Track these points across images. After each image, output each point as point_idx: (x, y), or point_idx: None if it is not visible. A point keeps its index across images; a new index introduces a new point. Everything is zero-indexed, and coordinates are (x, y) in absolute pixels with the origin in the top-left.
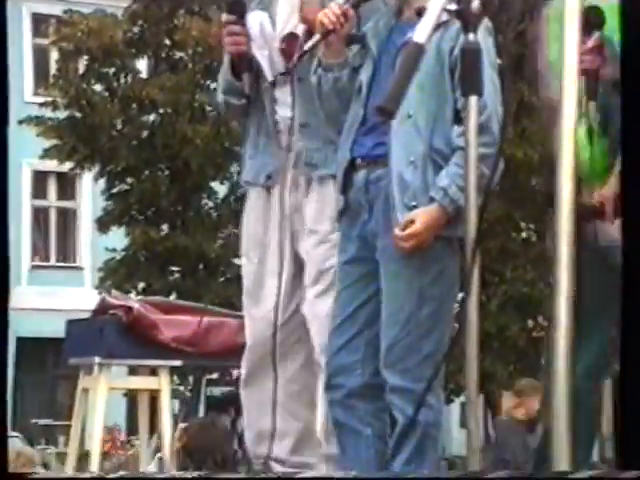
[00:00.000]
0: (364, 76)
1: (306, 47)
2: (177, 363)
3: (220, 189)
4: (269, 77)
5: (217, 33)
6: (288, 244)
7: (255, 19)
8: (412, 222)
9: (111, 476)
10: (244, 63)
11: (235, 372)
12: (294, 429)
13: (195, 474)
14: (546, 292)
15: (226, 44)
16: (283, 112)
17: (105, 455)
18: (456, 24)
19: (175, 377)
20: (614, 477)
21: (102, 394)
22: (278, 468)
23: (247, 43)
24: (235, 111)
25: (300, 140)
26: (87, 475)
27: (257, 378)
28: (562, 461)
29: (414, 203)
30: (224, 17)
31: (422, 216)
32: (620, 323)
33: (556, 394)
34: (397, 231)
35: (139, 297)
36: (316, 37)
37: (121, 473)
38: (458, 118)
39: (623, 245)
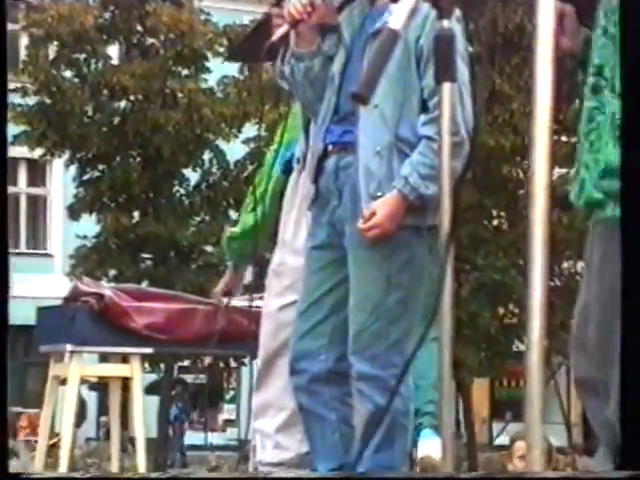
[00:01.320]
0: (337, 65)
1: (274, 38)
2: (149, 351)
3: (192, 176)
4: None
5: (188, 19)
6: (304, 225)
7: None
8: (374, 213)
9: (115, 476)
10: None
11: (207, 360)
12: (289, 407)
13: (202, 474)
14: (517, 279)
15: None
16: None
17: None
18: (422, 12)
19: (147, 365)
20: (614, 477)
21: (74, 382)
22: (262, 442)
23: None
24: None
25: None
26: (89, 475)
27: (282, 355)
28: (536, 457)
29: (379, 193)
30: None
31: (383, 206)
32: (621, 324)
33: (530, 382)
34: (360, 224)
35: (111, 284)
36: (284, 27)
37: (129, 474)
38: (424, 107)
39: (623, 245)
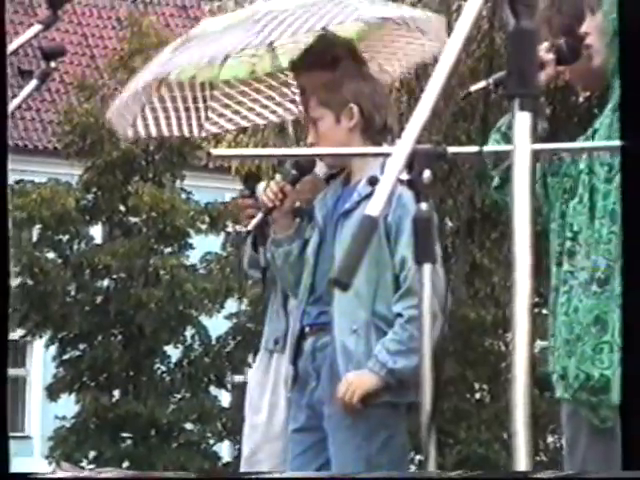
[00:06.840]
0: (311, 246)
1: (250, 227)
2: None
3: (173, 353)
4: None
5: (170, 198)
6: (280, 408)
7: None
8: (350, 383)
9: (119, 476)
10: (258, 236)
11: None
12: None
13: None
14: (501, 453)
15: (242, 218)
16: None
17: None
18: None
19: None
20: (615, 477)
21: None
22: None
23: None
24: (259, 284)
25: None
26: (91, 475)
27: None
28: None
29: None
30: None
31: (357, 378)
32: (622, 322)
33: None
34: (339, 394)
35: (91, 467)
36: (259, 216)
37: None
38: (397, 282)
39: (623, 243)
